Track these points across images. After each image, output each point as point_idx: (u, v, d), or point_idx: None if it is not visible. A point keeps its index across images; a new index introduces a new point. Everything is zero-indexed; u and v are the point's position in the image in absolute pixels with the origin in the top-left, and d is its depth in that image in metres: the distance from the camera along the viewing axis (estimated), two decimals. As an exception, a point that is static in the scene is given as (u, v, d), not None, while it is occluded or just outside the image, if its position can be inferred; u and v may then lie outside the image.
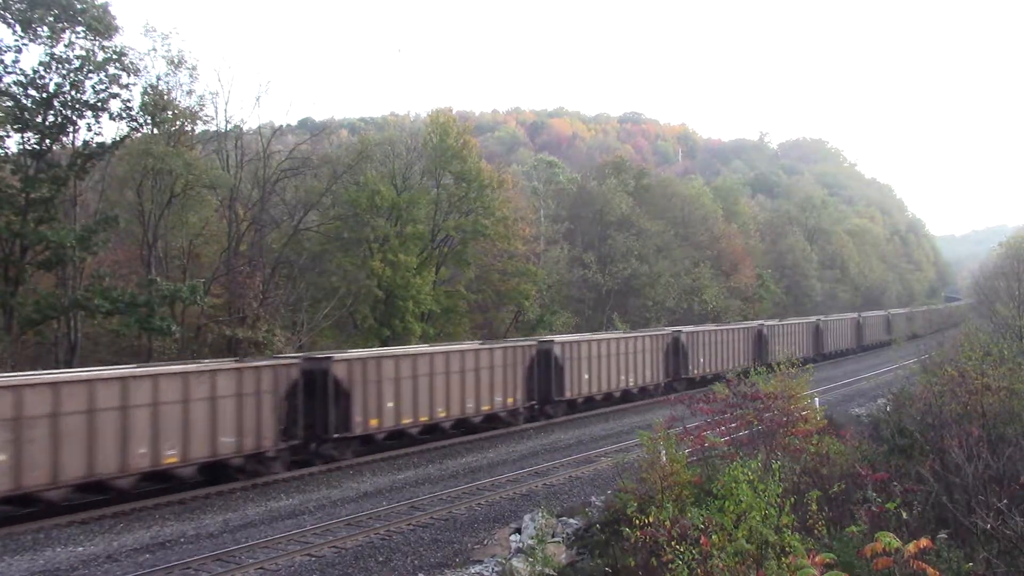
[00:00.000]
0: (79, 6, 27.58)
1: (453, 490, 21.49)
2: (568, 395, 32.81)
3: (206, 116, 35.97)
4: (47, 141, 28.22)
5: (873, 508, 11.74)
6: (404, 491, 21.64)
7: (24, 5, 27.07)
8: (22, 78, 27.43)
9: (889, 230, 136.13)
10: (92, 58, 27.97)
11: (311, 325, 37.12)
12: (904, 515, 11.20)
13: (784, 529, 9.94)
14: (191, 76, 34.28)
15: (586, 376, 33.66)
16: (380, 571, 15.42)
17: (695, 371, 41.37)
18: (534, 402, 31.50)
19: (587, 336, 36.57)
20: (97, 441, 18.65)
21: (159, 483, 20.49)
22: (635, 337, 37.55)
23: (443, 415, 27.25)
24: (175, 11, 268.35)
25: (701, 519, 10.99)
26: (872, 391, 38.44)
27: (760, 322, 51.67)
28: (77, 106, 28.48)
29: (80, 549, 16.78)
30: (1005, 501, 11.18)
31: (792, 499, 11.43)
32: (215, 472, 21.51)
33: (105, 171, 34.05)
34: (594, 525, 16.28)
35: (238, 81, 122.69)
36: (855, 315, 69.66)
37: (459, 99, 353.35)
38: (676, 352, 40.19)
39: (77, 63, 27.78)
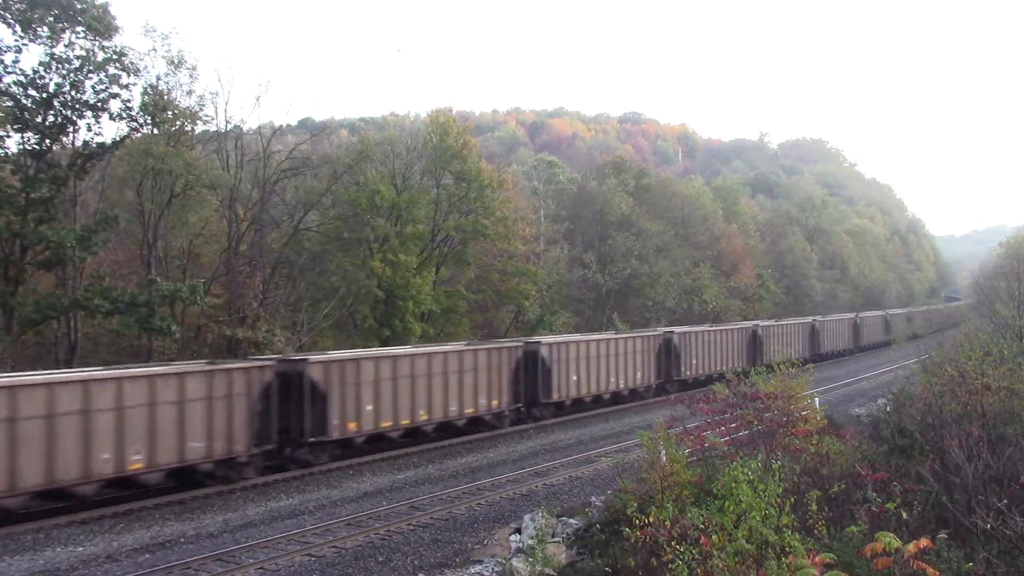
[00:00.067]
0: (79, 6, 27.58)
1: (453, 490, 21.49)
2: (556, 397, 32.20)
3: (206, 116, 36.03)
4: (47, 141, 28.22)
5: (873, 508, 11.74)
6: (404, 491, 21.64)
7: (24, 5, 27.07)
8: (22, 78, 27.44)
9: (889, 230, 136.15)
10: (92, 58, 27.97)
11: (311, 325, 37.12)
12: (904, 515, 11.21)
13: (784, 529, 9.94)
14: (191, 76, 34.33)
15: (574, 378, 33.05)
16: (380, 571, 15.42)
17: (687, 372, 40.85)
18: (520, 404, 30.89)
19: (575, 337, 36.00)
20: (57, 447, 17.98)
21: (124, 490, 19.80)
22: (625, 338, 36.93)
23: (425, 418, 26.59)
24: (175, 11, 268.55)
25: (701, 519, 10.99)
26: (872, 391, 38.45)
27: (755, 322, 51.10)
28: (77, 106, 28.48)
29: (80, 549, 16.78)
30: (1005, 501, 11.18)
31: (792, 499, 11.43)
32: (184, 478, 20.89)
33: (105, 171, 34.05)
34: (594, 525, 16.28)
35: (238, 81, 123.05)
36: (852, 315, 69.05)
37: (459, 99, 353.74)
38: (668, 353, 39.59)
39: (77, 63, 27.78)
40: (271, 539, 17.26)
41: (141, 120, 31.01)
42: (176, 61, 33.46)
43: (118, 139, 30.83)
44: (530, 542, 15.63)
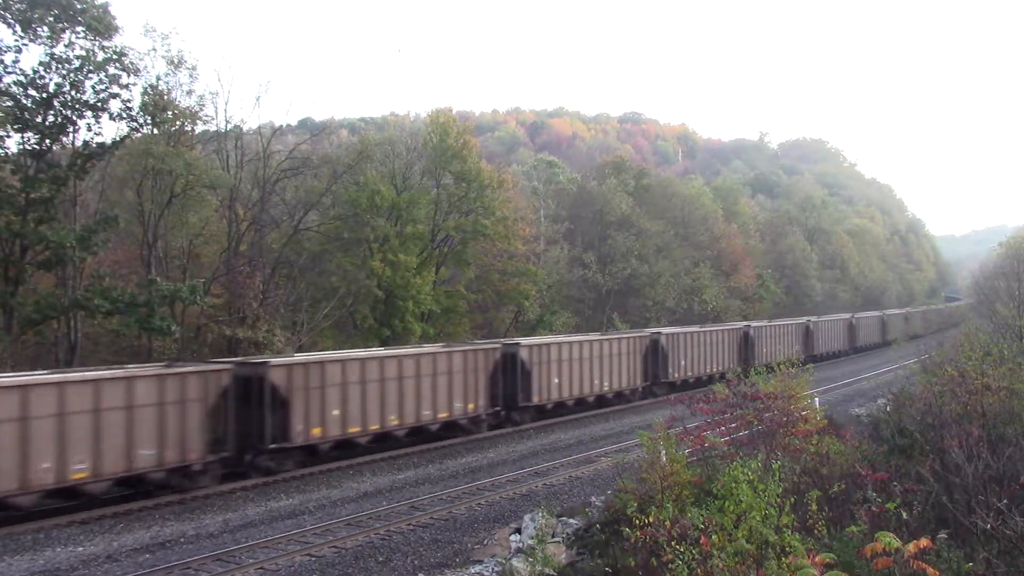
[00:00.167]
0: (79, 6, 27.58)
1: (453, 490, 21.49)
2: (536, 400, 31.33)
3: (206, 116, 36.05)
4: (47, 141, 28.22)
5: (873, 508, 11.75)
6: (404, 491, 21.64)
7: (24, 5, 27.06)
8: (22, 78, 27.44)
9: (889, 230, 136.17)
10: (92, 58, 27.96)
11: (311, 325, 37.12)
12: (904, 515, 11.21)
13: (784, 529, 9.95)
14: (191, 76, 34.34)
15: (556, 380, 32.18)
16: (380, 571, 15.42)
17: (675, 375, 40.03)
18: (499, 408, 30.00)
19: (557, 338, 35.35)
20: None
21: (67, 500, 18.89)
22: (610, 339, 36.09)
23: (396, 423, 25.63)
24: (175, 11, 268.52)
25: (701, 519, 11.00)
26: (872, 391, 38.43)
27: (746, 323, 50.00)
28: (77, 106, 28.48)
29: (80, 549, 16.79)
30: (1005, 501, 11.19)
31: (792, 499, 11.43)
32: (134, 487, 20.09)
33: (105, 171, 34.05)
34: (594, 525, 16.29)
35: (238, 81, 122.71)
36: (848, 316, 68.21)
37: (459, 99, 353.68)
38: (655, 355, 38.72)
39: (77, 63, 27.78)
40: (271, 539, 17.26)
41: (141, 120, 31.03)
42: (176, 61, 33.51)
43: (118, 139, 30.84)
44: (530, 542, 15.63)
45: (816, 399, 24.59)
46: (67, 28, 27.69)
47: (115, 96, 28.92)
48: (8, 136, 27.73)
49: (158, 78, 32.82)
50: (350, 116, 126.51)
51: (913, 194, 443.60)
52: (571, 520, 17.55)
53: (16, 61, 27.34)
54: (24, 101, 27.47)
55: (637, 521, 12.49)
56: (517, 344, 31.28)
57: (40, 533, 17.75)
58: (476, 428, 29.09)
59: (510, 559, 15.16)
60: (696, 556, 9.86)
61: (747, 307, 66.83)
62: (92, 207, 33.44)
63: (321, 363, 23.85)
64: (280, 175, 38.47)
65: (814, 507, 11.84)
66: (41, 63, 27.46)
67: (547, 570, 14.25)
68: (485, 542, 17.11)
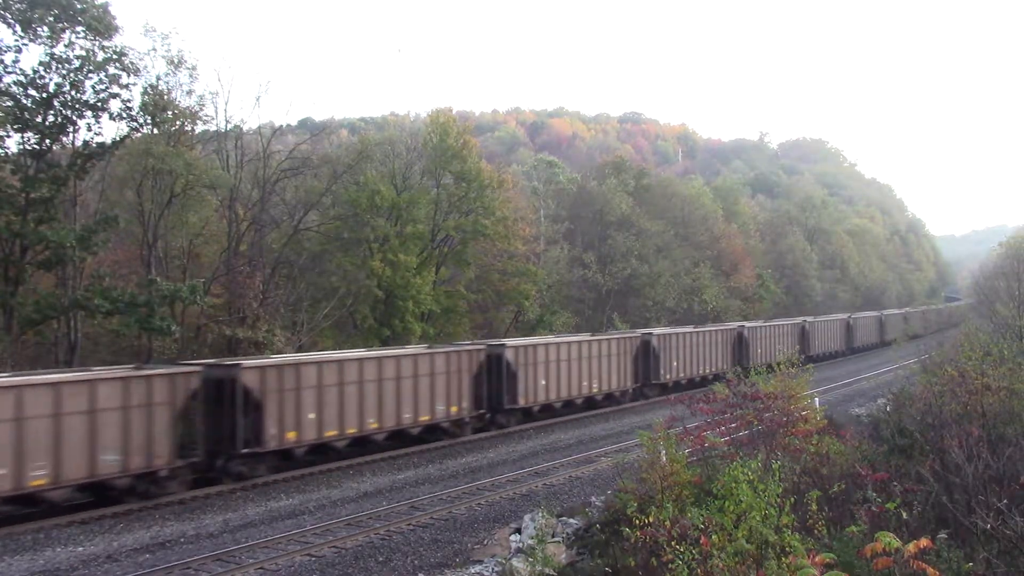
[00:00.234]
0: (79, 6, 27.56)
1: (453, 490, 21.50)
2: (522, 403, 30.76)
3: (206, 116, 35.97)
4: (47, 141, 28.20)
5: (873, 508, 11.76)
6: (404, 491, 21.65)
7: (24, 5, 27.05)
8: (22, 78, 27.40)
9: (889, 230, 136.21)
10: (92, 58, 27.95)
11: (311, 325, 37.11)
12: (904, 515, 11.22)
13: (784, 529, 9.95)
14: (191, 76, 34.27)
15: (543, 382, 31.63)
16: (380, 571, 15.43)
17: (667, 376, 39.55)
18: (483, 411, 29.46)
19: (544, 339, 34.92)
20: None
21: (26, 507, 18.31)
22: (599, 340, 35.52)
23: (375, 426, 25.05)
24: (175, 11, 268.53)
25: (701, 519, 11.00)
26: (872, 391, 38.46)
27: (740, 324, 49.56)
28: (77, 106, 28.45)
29: (80, 549, 16.79)
30: (1005, 501, 11.19)
31: (792, 499, 11.44)
32: (98, 494, 19.49)
33: (105, 171, 34.02)
34: (594, 525, 16.29)
35: (238, 81, 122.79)
36: (845, 316, 67.74)
37: (459, 99, 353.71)
38: (646, 356, 38.29)
39: (77, 63, 27.76)
40: (271, 539, 17.27)
41: (141, 120, 30.99)
42: (176, 61, 33.45)
43: (118, 139, 30.81)
44: (530, 542, 15.63)
45: (816, 399, 24.60)
46: (67, 28, 27.67)
47: (115, 96, 28.91)
48: (8, 136, 27.72)
49: (158, 78, 32.82)
50: (350, 116, 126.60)
51: (913, 194, 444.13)
52: (571, 520, 17.56)
53: (16, 61, 27.33)
54: (24, 101, 27.45)
55: (637, 521, 12.50)
56: (502, 345, 30.78)
57: (40, 533, 17.76)
58: (460, 431, 28.54)
59: (510, 559, 15.16)
60: (696, 556, 9.86)
61: (747, 307, 66.82)
62: (92, 207, 33.42)
63: (296, 365, 23.28)
64: (280, 175, 38.45)
65: (814, 507, 11.84)
66: (41, 63, 27.45)
67: (547, 570, 14.26)
68: (485, 542, 17.12)
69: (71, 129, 29.21)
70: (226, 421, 21.65)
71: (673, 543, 10.54)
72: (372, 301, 39.27)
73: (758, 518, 9.97)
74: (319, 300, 38.20)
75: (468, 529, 18.08)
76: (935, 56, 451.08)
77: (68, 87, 27.91)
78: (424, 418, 26.78)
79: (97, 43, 28.12)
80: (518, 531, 17.22)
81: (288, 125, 55.06)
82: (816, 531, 11.65)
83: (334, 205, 40.55)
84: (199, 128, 36.01)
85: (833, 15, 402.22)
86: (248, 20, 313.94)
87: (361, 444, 25.28)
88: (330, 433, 23.81)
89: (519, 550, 15.84)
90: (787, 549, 9.50)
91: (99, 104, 28.72)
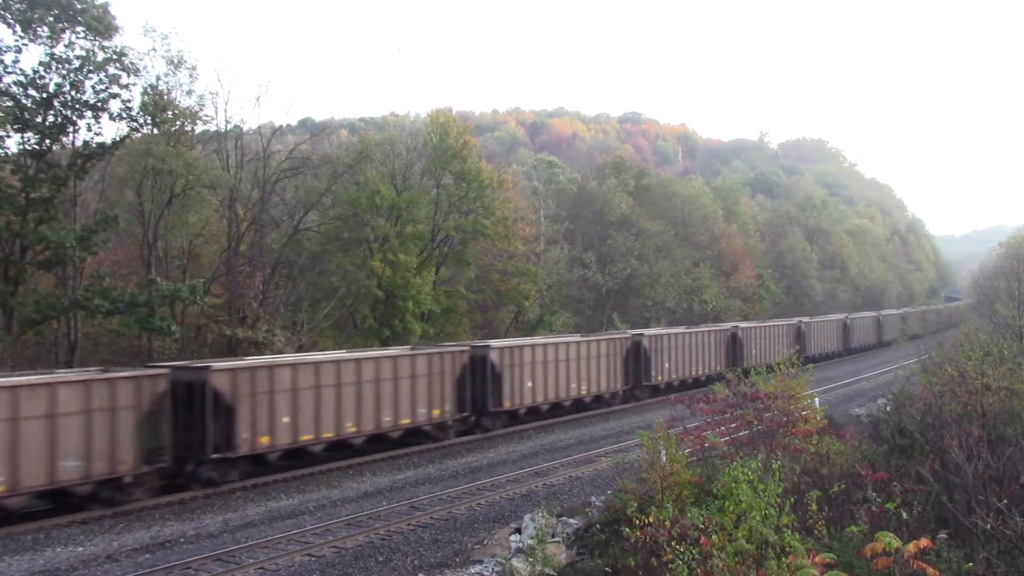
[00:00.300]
0: (79, 6, 27.58)
1: (453, 490, 21.50)
2: (507, 405, 30.04)
3: (206, 116, 36.04)
4: (47, 141, 28.23)
5: (873, 508, 11.76)
6: (404, 491, 21.65)
7: (24, 5, 27.07)
8: (22, 78, 27.44)
9: (889, 230, 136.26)
10: (92, 58, 27.97)
11: (311, 325, 37.14)
12: (904, 515, 11.22)
13: (784, 529, 9.95)
14: (191, 76, 34.34)
15: (529, 384, 30.91)
16: (380, 571, 15.43)
17: (658, 378, 38.85)
18: (467, 413, 28.79)
19: (531, 340, 34.22)
20: None
21: None
22: (588, 341, 34.84)
23: (353, 430, 24.36)
24: (175, 11, 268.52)
25: (701, 519, 11.00)
26: (872, 391, 38.45)
27: (733, 324, 48.62)
28: (77, 106, 28.48)
29: (80, 549, 16.80)
30: (1005, 501, 11.19)
31: (792, 499, 11.44)
32: (59, 501, 18.86)
33: (105, 171, 34.05)
34: (594, 525, 16.30)
35: (238, 81, 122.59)
36: (842, 317, 67.14)
37: (459, 99, 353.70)
38: (637, 357, 37.58)
39: (77, 63, 27.78)
40: (271, 539, 17.27)
41: (141, 120, 31.03)
42: (176, 61, 33.51)
43: (118, 139, 30.84)
44: (530, 542, 15.63)
45: (816, 399, 24.60)
46: (67, 28, 27.69)
47: (115, 96, 28.94)
48: (8, 136, 27.76)
49: (158, 78, 32.87)
50: (350, 116, 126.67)
51: (913, 194, 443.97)
52: (571, 520, 17.56)
53: (16, 61, 27.38)
54: (24, 101, 27.48)
55: (637, 521, 12.50)
56: (487, 346, 30.20)
57: (40, 533, 17.76)
58: (443, 435, 27.85)
59: (510, 559, 15.17)
60: (696, 556, 9.86)
61: (747, 307, 66.83)
62: (92, 207, 33.44)
63: (270, 367, 22.70)
64: (280, 175, 38.48)
65: (814, 507, 11.84)
66: (41, 63, 27.48)
67: (547, 570, 14.26)
68: (485, 542, 17.12)
69: (71, 129, 29.25)
70: (196, 425, 21.05)
71: (673, 543, 10.54)
72: (372, 301, 39.29)
73: (758, 518, 9.97)
74: (319, 300, 38.23)
75: (468, 529, 18.08)
76: (935, 56, 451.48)
77: (68, 87, 27.93)
78: (405, 421, 26.18)
79: (97, 43, 28.15)
80: (518, 531, 17.23)
81: (288, 125, 55.18)
82: (816, 531, 11.65)
83: (334, 205, 40.58)
84: (199, 128, 36.12)
85: (833, 15, 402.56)
86: (248, 20, 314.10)
87: (339, 448, 24.71)
88: (306, 437, 23.20)
89: (519, 550, 15.85)
90: (787, 549, 9.50)
91: (99, 104, 28.75)
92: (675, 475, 14.19)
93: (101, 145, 29.73)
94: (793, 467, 14.28)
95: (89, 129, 29.44)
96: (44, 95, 27.61)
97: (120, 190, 35.21)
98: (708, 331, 44.45)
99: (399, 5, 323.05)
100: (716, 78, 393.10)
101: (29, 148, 28.04)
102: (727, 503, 10.23)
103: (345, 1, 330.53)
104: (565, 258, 53.59)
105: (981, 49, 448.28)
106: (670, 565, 10.05)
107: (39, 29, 27.39)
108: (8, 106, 27.13)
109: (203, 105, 35.36)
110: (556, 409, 33.21)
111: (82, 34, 27.90)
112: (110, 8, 28.41)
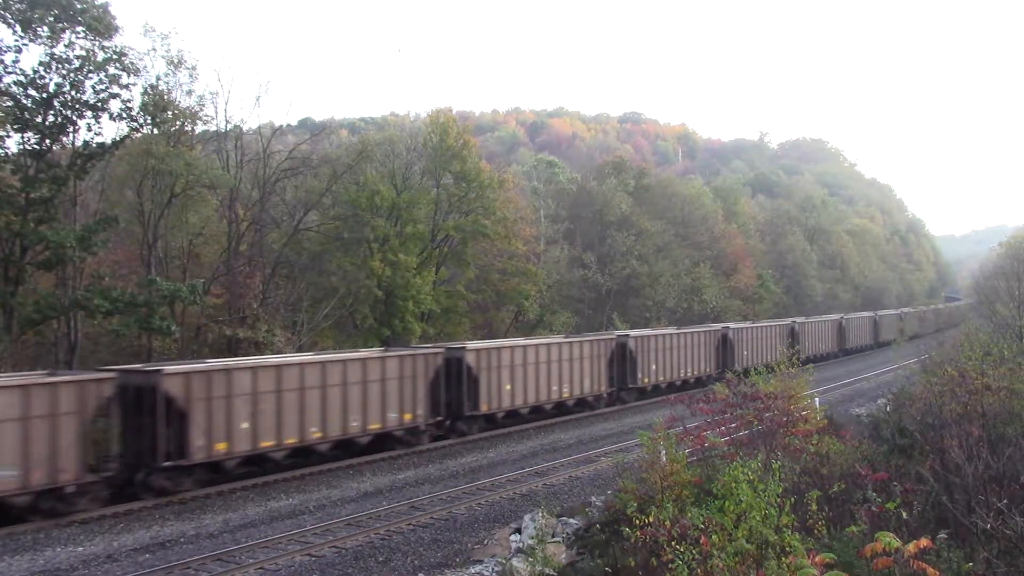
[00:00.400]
0: (79, 6, 27.55)
1: (453, 490, 21.51)
2: (484, 409, 29.32)
3: (206, 116, 35.95)
4: (47, 141, 28.19)
5: (873, 508, 11.76)
6: (404, 491, 21.66)
7: (24, 5, 27.04)
8: (22, 78, 27.37)
9: (889, 230, 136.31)
10: (92, 58, 27.94)
11: (311, 325, 37.12)
12: (904, 515, 11.23)
13: (784, 529, 9.95)
14: (191, 76, 34.24)
15: (507, 387, 30.06)
16: (380, 571, 15.44)
17: (645, 380, 38.04)
18: (441, 417, 28.07)
19: (510, 342, 33.31)
20: None
21: None
22: (570, 343, 34.00)
23: (318, 436, 23.58)
24: (175, 11, 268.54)
25: (701, 519, 11.00)
26: (872, 391, 38.47)
27: (724, 325, 47.70)
28: (77, 106, 28.44)
29: (80, 549, 16.80)
30: (1005, 501, 11.20)
31: (792, 499, 11.44)
32: None
33: (105, 171, 34.01)
34: (594, 525, 16.30)
35: (238, 81, 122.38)
36: (837, 317, 66.60)
37: (459, 99, 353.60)
38: (623, 359, 36.76)
39: (77, 63, 27.74)
40: (271, 539, 17.28)
41: (141, 120, 30.97)
42: (176, 61, 33.43)
43: (118, 139, 30.79)
44: (530, 542, 15.63)
45: (816, 399, 24.61)
46: (67, 28, 27.66)
47: (115, 96, 28.88)
48: (8, 136, 27.70)
49: (158, 78, 32.79)
50: (350, 116, 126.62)
51: (913, 194, 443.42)
52: (571, 520, 17.57)
53: (16, 61, 27.27)
54: (24, 101, 27.44)
55: (637, 521, 12.50)
56: (462, 348, 29.41)
57: (40, 533, 17.77)
58: (415, 440, 27.11)
59: (510, 559, 15.17)
60: (696, 556, 9.86)
61: (747, 307, 66.81)
62: (92, 207, 33.41)
63: (227, 371, 21.89)
64: (280, 175, 38.45)
65: (814, 507, 11.85)
66: (41, 63, 27.43)
67: (547, 570, 14.26)
68: (485, 542, 17.13)
69: (71, 129, 29.20)
70: (146, 432, 20.29)
71: (673, 543, 10.55)
72: (372, 301, 39.28)
73: (758, 518, 9.97)
74: (319, 300, 38.21)
75: (468, 529, 18.09)
76: (935, 56, 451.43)
77: (68, 87, 27.90)
78: (374, 426, 25.36)
79: (97, 43, 28.11)
80: (518, 531, 17.23)
81: (288, 125, 55.01)
82: (816, 531, 11.66)
83: (334, 205, 40.56)
84: (199, 128, 36.03)
85: (833, 15, 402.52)
86: (248, 20, 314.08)
87: (303, 455, 23.93)
88: (266, 444, 22.34)
89: (519, 550, 15.85)
90: (787, 549, 9.49)
91: (99, 104, 28.71)
92: (675, 475, 14.20)
93: (101, 145, 29.70)
94: (793, 467, 14.28)
95: (89, 129, 29.42)
96: (44, 95, 27.59)
97: (120, 190, 35.18)
98: (697, 332, 43.42)
99: (399, 5, 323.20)
100: (716, 78, 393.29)
101: (29, 148, 28.00)
102: (727, 503, 10.23)
103: (345, 1, 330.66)
104: (565, 258, 53.57)
105: (981, 49, 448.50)
106: (670, 565, 10.05)
107: (39, 29, 27.35)
108: (8, 106, 27.10)
109: (203, 105, 35.32)
110: (536, 413, 32.39)
111: (82, 34, 27.86)
112: (110, 8, 28.36)
